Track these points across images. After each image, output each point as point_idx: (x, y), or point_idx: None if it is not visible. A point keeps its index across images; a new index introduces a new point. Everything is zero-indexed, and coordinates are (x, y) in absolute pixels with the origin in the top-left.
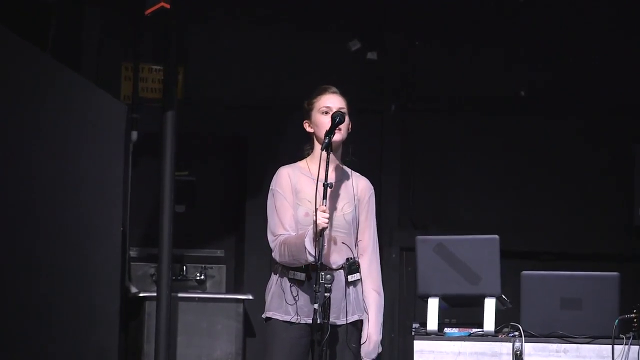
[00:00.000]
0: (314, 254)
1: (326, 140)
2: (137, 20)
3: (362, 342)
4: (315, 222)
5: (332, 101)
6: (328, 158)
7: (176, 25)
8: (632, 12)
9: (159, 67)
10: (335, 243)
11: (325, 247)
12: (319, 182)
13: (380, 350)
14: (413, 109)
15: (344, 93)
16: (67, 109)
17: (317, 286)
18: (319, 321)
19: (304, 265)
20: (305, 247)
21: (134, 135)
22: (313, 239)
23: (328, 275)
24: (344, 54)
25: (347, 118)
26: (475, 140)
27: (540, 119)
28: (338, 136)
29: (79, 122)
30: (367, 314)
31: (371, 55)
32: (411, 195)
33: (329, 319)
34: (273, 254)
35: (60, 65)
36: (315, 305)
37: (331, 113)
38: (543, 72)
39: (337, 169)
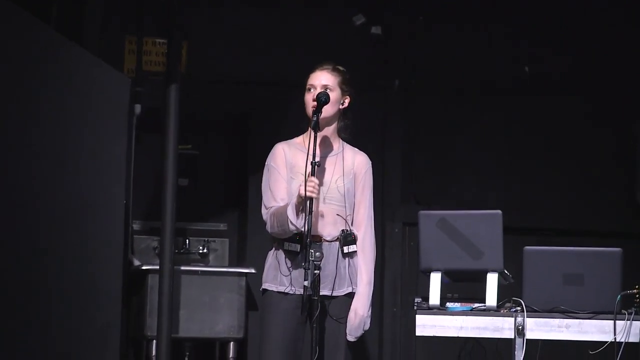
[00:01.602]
0: (295, 223)
1: (314, 119)
2: None
3: (348, 317)
4: (302, 195)
5: (315, 79)
6: (316, 136)
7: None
8: None
9: (162, 41)
10: (329, 215)
11: (315, 219)
12: (308, 158)
13: (366, 327)
14: (416, 86)
15: (337, 68)
16: (71, 82)
17: (307, 263)
18: (309, 292)
19: (298, 237)
20: (288, 217)
21: (138, 108)
22: (295, 206)
23: (317, 253)
24: (347, 31)
25: (333, 94)
26: (478, 118)
27: (542, 98)
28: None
29: (82, 95)
30: (357, 289)
31: (375, 30)
32: (414, 173)
33: (318, 296)
34: (266, 226)
35: (64, 39)
36: (306, 283)
37: (314, 91)
38: (546, 50)
39: (333, 143)
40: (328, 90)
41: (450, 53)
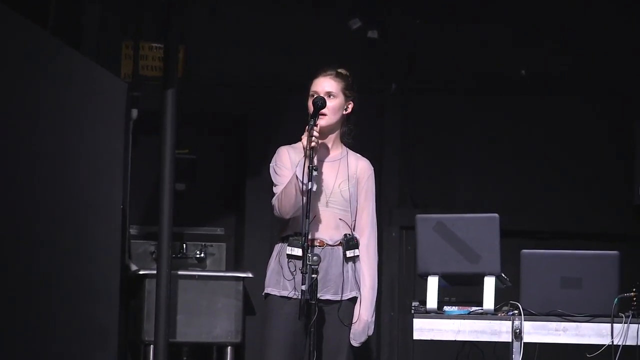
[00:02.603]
0: (302, 179)
1: (311, 123)
2: None
3: (353, 322)
4: (304, 145)
5: (318, 85)
6: (311, 140)
7: (177, 3)
8: None
9: (159, 45)
10: (332, 220)
11: (318, 223)
12: (305, 162)
13: (370, 332)
14: (414, 88)
15: (340, 73)
16: (68, 87)
17: (304, 267)
18: (306, 296)
19: (301, 242)
20: (296, 176)
21: (134, 113)
22: (303, 163)
23: (315, 257)
24: (345, 32)
25: (337, 100)
26: (476, 119)
27: (540, 98)
28: (322, 121)
29: (79, 100)
30: (360, 295)
31: (372, 34)
32: (411, 174)
33: (316, 300)
34: (274, 211)
35: (61, 43)
36: (303, 287)
37: (317, 97)
38: (545, 50)
39: (336, 148)
40: (332, 96)
41: (448, 54)
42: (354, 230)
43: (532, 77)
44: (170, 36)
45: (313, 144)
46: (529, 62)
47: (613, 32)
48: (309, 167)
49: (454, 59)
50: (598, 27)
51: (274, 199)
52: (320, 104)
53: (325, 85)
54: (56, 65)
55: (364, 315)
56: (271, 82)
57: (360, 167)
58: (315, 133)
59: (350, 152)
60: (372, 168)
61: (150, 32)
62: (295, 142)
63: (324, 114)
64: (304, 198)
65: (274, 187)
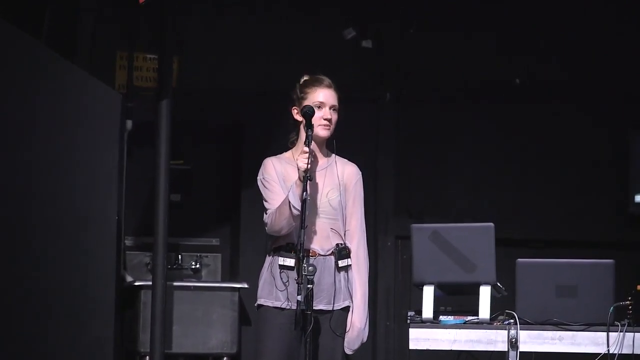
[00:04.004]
0: (297, 207)
1: (309, 133)
2: (132, 9)
3: (346, 331)
4: (299, 166)
5: (325, 96)
6: (310, 151)
7: (171, 13)
8: None
9: (153, 56)
10: (323, 229)
11: (309, 232)
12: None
13: (364, 340)
14: (408, 97)
15: (337, 85)
16: (62, 98)
17: (300, 278)
18: (302, 306)
19: (293, 251)
20: (289, 201)
21: (129, 124)
22: (295, 188)
23: (310, 267)
24: (339, 42)
25: (336, 114)
26: (471, 128)
27: (535, 106)
28: (326, 132)
29: (73, 112)
30: (352, 302)
31: (366, 44)
32: (406, 184)
33: (312, 311)
34: (267, 228)
35: (55, 55)
36: (299, 297)
37: (324, 110)
38: (538, 58)
39: (323, 157)
40: (335, 110)
41: (443, 63)
42: (344, 237)
43: (527, 85)
44: (164, 47)
45: (306, 166)
46: (523, 70)
47: (609, 40)
48: (304, 177)
49: (449, 67)
50: (594, 35)
51: (266, 217)
52: (311, 112)
53: (332, 98)
54: (50, 77)
55: (357, 322)
56: (266, 92)
57: (347, 173)
58: (306, 149)
59: (338, 158)
60: (360, 173)
61: (144, 43)
62: (282, 152)
63: (327, 126)
64: (300, 209)
65: (264, 202)
